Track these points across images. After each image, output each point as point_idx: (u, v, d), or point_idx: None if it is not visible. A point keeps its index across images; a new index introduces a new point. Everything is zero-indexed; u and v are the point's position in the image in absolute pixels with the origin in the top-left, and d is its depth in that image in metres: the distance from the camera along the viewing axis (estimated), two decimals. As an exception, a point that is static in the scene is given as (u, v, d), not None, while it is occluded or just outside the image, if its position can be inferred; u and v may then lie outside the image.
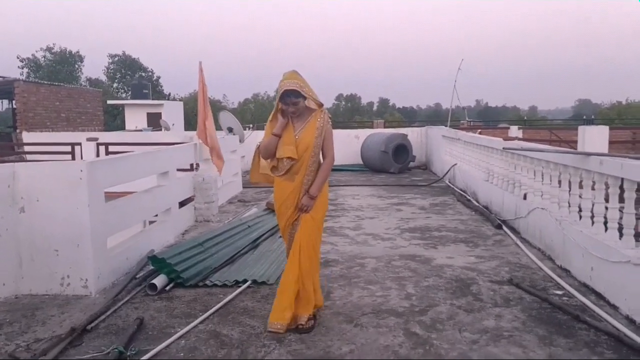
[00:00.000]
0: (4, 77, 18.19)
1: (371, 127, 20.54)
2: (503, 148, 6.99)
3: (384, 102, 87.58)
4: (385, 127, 21.07)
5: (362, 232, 6.70)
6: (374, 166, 13.92)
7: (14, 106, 18.34)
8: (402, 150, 13.61)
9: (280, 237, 6.24)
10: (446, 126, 14.07)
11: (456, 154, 10.99)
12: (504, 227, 6.59)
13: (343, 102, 79.32)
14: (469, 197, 8.90)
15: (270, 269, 5.00)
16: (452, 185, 10.55)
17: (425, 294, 4.32)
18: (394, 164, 13.37)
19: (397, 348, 3.35)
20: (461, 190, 9.71)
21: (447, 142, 12.12)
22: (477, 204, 8.27)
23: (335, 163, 12.92)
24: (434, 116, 68.08)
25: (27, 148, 15.49)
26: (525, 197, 6.23)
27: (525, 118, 47.42)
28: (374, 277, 4.80)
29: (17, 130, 17.29)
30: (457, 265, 5.13)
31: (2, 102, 23.40)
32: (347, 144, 15.47)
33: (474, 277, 4.75)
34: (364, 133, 15.49)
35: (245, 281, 4.67)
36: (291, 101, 3.59)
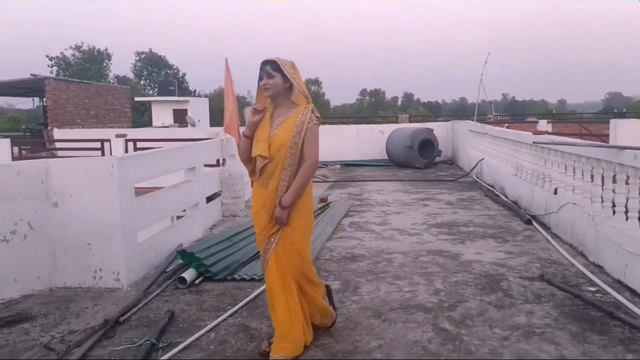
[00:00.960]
0: (35, 75, 18.61)
1: (396, 122, 20.40)
2: (533, 142, 6.87)
3: (408, 96, 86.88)
4: (410, 121, 20.92)
5: (389, 227, 6.67)
6: (399, 161, 13.83)
7: (45, 103, 18.77)
8: (427, 145, 13.50)
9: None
10: (473, 120, 13.89)
11: (483, 149, 10.85)
12: (534, 223, 6.48)
13: (367, 97, 79.02)
14: (496, 192, 8.77)
15: (298, 263, 5.01)
16: (479, 180, 10.42)
17: (454, 290, 4.28)
18: (420, 159, 13.27)
19: (427, 343, 3.33)
20: (489, 185, 9.58)
21: (474, 136, 11.97)
22: (505, 199, 8.15)
23: (360, 158, 12.92)
24: (459, 110, 67.29)
25: (58, 144, 15.86)
26: (556, 192, 6.12)
27: (554, 112, 46.53)
28: (401, 273, 4.77)
29: (48, 127, 17.69)
30: (486, 260, 5.07)
31: (33, 99, 23.98)
32: (372, 139, 15.41)
33: (503, 273, 4.69)
34: (388, 128, 15.40)
35: (272, 275, 4.69)
36: (266, 71, 3.12)
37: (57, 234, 4.50)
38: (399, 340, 3.38)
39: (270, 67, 3.13)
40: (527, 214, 6.79)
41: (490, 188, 9.24)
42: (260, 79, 3.16)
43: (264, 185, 3.18)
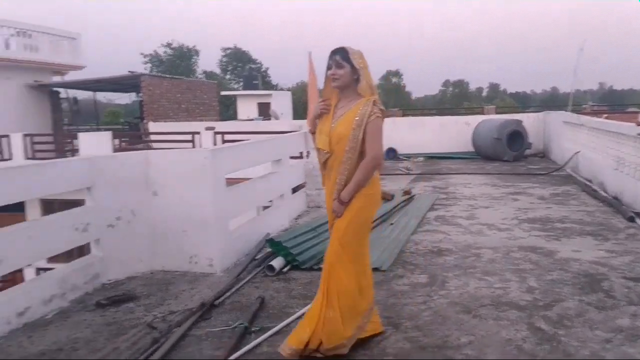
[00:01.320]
0: (132, 72, 19.83)
1: (481, 113, 19.70)
2: (637, 134, 6.39)
3: (494, 87, 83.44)
4: (496, 113, 20.13)
5: (477, 221, 6.48)
6: (486, 154, 13.38)
7: (141, 98, 19.95)
8: (516, 137, 12.94)
9: (391, 224, 6.26)
10: (567, 111, 13.13)
11: (580, 141, 10.23)
12: (638, 220, 6.03)
13: (450, 88, 76.83)
14: (594, 187, 8.24)
15: (383, 255, 5.01)
16: (574, 174, 9.84)
17: (549, 288, 4.08)
18: (508, 152, 12.76)
19: (521, 342, 3.21)
20: (586, 179, 9.02)
21: (569, 128, 11.31)
22: (604, 194, 7.64)
23: (444, 150, 12.62)
24: (550, 101, 63.73)
25: (152, 137, 16.82)
26: (663, 188, 5.66)
27: (658, 101, 42.88)
28: (491, 268, 4.63)
29: (144, 121, 18.80)
30: (585, 259, 4.79)
31: (130, 95, 25.58)
32: (457, 131, 15.00)
33: (604, 272, 4.41)
34: (474, 120, 14.92)
35: (359, 267, 4.71)
36: (335, 61, 3.03)
37: (157, 220, 4.77)
38: (490, 337, 3.29)
39: (340, 56, 3.04)
40: (631, 211, 6.33)
41: (588, 183, 8.69)
42: (329, 68, 3.07)
43: (328, 177, 3.16)
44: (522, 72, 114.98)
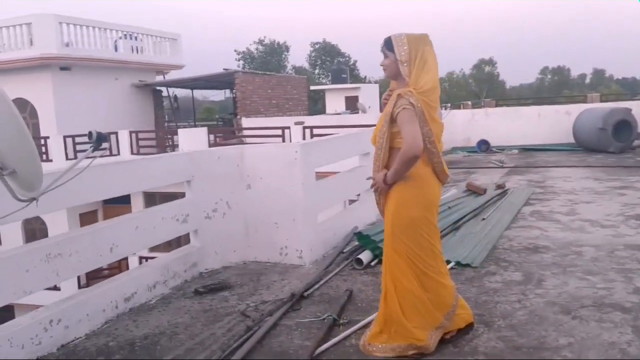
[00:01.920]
0: (227, 70, 20.67)
1: (584, 101, 18.41)
2: None
3: (598, 73, 77.61)
4: (601, 101, 18.73)
5: (577, 217, 6.10)
6: (588, 145, 12.54)
7: (235, 95, 20.76)
8: (624, 126, 11.99)
9: (484, 219, 6.06)
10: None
11: (698, 130, 9.28)
12: None
13: (549, 76, 72.56)
14: None
15: (475, 251, 4.87)
16: (691, 167, 8.96)
17: (659, 290, 3.77)
18: (614, 143, 11.86)
19: (625, 346, 2.99)
20: None
21: (685, 115, 10.30)
22: None
23: (541, 142, 12.09)
24: (664, 86, 58.23)
25: (245, 132, 17.47)
26: None
27: None
28: (593, 267, 4.35)
29: (237, 116, 19.55)
30: (703, 260, 4.37)
31: (224, 91, 26.67)
32: (556, 121, 14.18)
33: None
34: (576, 109, 14.01)
35: (448, 262, 4.61)
36: (383, 51, 3.02)
37: (250, 213, 4.97)
38: (592, 339, 3.10)
39: (385, 46, 2.99)
40: None
41: None
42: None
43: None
44: (631, 55, 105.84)
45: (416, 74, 2.94)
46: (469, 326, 3.22)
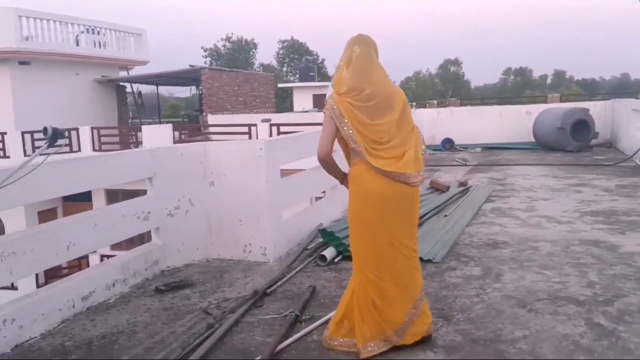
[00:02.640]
0: (192, 66, 20.41)
1: (545, 102, 18.92)
2: None
3: (559, 74, 79.79)
4: (561, 101, 19.28)
5: (535, 214, 6.27)
6: (548, 144, 12.88)
7: (201, 91, 20.52)
8: (582, 126, 12.37)
9: (446, 216, 6.17)
10: (637, 98, 12.41)
11: (650, 130, 9.66)
12: None
13: (512, 76, 74.24)
14: (665, 179, 7.78)
15: (436, 247, 4.95)
16: (643, 165, 9.32)
17: (610, 283, 3.91)
18: (572, 142, 12.23)
19: (578, 338, 3.10)
20: (656, 170, 8.53)
21: (639, 116, 10.70)
22: (676, 186, 7.20)
23: (503, 140, 12.41)
24: (620, 88, 60.36)
25: (211, 129, 17.29)
26: None
27: None
28: (549, 262, 4.48)
29: (203, 113, 19.33)
30: (651, 254, 4.55)
31: (190, 88, 26.33)
32: (517, 121, 14.53)
33: (672, 268, 4.18)
34: (536, 109, 14.39)
35: (411, 258, 4.68)
36: None
37: (213, 210, 4.92)
38: (546, 332, 3.19)
39: None
40: None
41: (658, 174, 8.22)
42: None
43: None
44: (590, 57, 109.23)
45: (339, 76, 2.98)
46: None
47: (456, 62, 67.01)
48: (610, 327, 3.21)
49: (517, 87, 67.69)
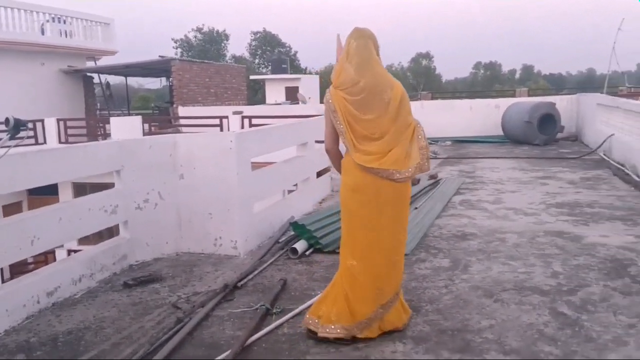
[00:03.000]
0: (162, 57, 20.05)
1: (513, 96, 19.26)
2: (673, 116, 6.17)
3: (527, 68, 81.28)
4: (529, 95, 19.65)
5: (503, 206, 6.40)
6: (516, 137, 13.13)
7: (171, 83, 20.19)
8: (548, 120, 12.65)
9: (416, 208, 6.24)
10: (602, 93, 12.74)
11: (614, 124, 9.94)
12: (671, 205, 5.86)
13: (481, 71, 75.27)
14: (627, 171, 8.02)
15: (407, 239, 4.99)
16: (607, 158, 9.58)
17: (574, 273, 4.03)
18: (539, 135, 12.49)
19: (542, 327, 3.18)
20: (618, 163, 8.78)
21: (603, 110, 10.99)
22: (637, 178, 7.43)
23: (473, 134, 12.66)
24: (586, 83, 61.84)
25: (182, 121, 17.06)
26: (699, 172, 5.47)
27: (701, 82, 41.13)
28: (515, 253, 4.58)
29: (174, 105, 19.04)
30: (613, 244, 4.69)
31: (160, 79, 25.91)
32: (486, 114, 14.74)
33: (632, 257, 4.32)
34: (505, 102, 14.63)
35: (381, 250, 4.72)
36: None
37: (183, 203, 4.87)
38: (511, 321, 3.27)
39: None
40: (664, 196, 6.15)
41: (620, 167, 8.46)
42: None
43: None
44: (558, 52, 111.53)
45: (338, 69, 3.02)
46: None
47: (427, 56, 67.52)
48: (573, 316, 3.31)
49: (487, 81, 68.66)
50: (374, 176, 2.93)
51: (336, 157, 3.17)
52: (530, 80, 68.13)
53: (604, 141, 10.12)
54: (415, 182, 7.66)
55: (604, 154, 10.04)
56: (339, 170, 3.18)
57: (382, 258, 3.02)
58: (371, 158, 2.93)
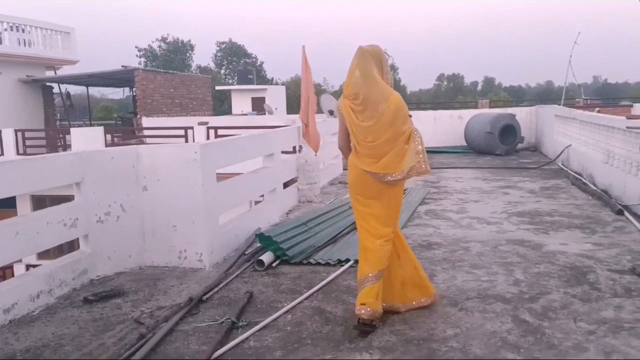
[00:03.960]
0: (125, 67, 19.73)
1: (475, 107, 19.74)
2: (626, 127, 6.42)
3: (489, 81, 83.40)
4: (490, 107, 20.16)
5: (466, 215, 6.51)
6: (478, 148, 13.41)
7: (134, 93, 19.87)
8: (509, 131, 12.98)
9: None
10: (559, 105, 13.17)
11: (571, 135, 10.27)
12: (626, 213, 6.08)
13: (445, 82, 76.81)
14: (584, 181, 8.30)
15: (373, 249, 5.02)
16: (565, 168, 9.90)
17: (535, 281, 4.12)
18: (501, 146, 12.80)
19: (505, 334, 3.23)
20: (576, 173, 9.07)
21: (561, 121, 11.35)
22: (594, 187, 7.69)
23: (437, 144, 12.90)
24: (545, 95, 63.90)
25: (146, 132, 16.78)
26: (651, 181, 5.69)
27: (652, 95, 43.00)
28: (479, 262, 4.66)
29: (137, 116, 18.72)
30: (572, 252, 4.83)
31: (123, 89, 25.44)
32: (450, 125, 15.03)
33: (590, 265, 4.45)
34: (468, 113, 14.96)
35: (347, 260, 4.74)
36: None
37: (146, 216, 4.78)
38: (475, 329, 3.32)
39: None
40: (619, 204, 6.38)
41: (578, 176, 8.75)
42: None
43: None
44: (517, 65, 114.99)
45: (346, 82, 3.49)
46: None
47: (393, 68, 68.30)
48: (535, 323, 3.37)
49: (450, 93, 70.05)
50: (367, 175, 3.45)
51: (346, 154, 3.68)
52: (491, 92, 69.85)
53: (562, 151, 10.45)
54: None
55: (562, 164, 10.36)
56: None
57: (369, 236, 3.49)
58: (368, 162, 3.44)
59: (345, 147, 3.64)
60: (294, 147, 8.22)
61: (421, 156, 3.40)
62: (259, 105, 26.63)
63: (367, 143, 3.39)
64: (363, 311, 3.27)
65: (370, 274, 3.39)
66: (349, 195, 3.71)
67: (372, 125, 3.36)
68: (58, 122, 21.77)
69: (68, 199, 4.49)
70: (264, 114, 22.07)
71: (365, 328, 3.27)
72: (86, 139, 13.80)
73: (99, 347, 3.18)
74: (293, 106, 33.07)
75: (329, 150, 9.88)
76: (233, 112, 28.72)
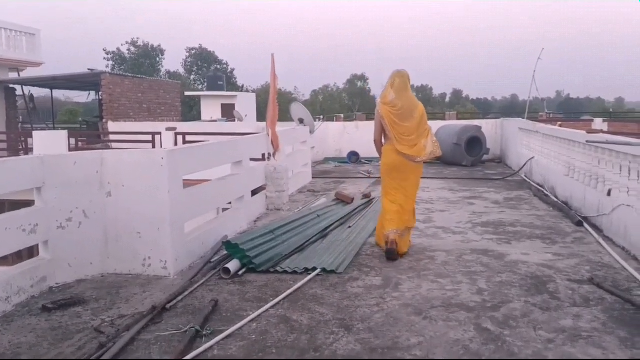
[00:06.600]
0: (92, 70, 19.36)
1: (443, 119, 20.07)
2: (586, 141, 6.63)
3: (456, 93, 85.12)
4: (457, 118, 20.55)
5: (432, 225, 6.60)
6: (445, 159, 13.55)
7: (101, 97, 19.51)
8: (475, 142, 13.22)
9: (350, 227, 6.32)
10: (523, 118, 13.50)
11: (534, 147, 10.54)
12: (585, 224, 6.26)
13: (414, 94, 77.94)
14: (546, 192, 8.52)
15: (339, 258, 5.04)
16: (528, 180, 10.15)
17: (498, 290, 4.20)
18: (467, 157, 13.03)
19: (468, 343, 3.28)
20: (538, 184, 9.31)
21: (524, 134, 11.64)
22: (555, 199, 7.90)
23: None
24: (510, 108, 65.57)
25: (112, 137, 16.48)
26: (609, 194, 5.88)
27: (611, 110, 44.60)
28: (444, 271, 4.72)
29: (104, 120, 18.38)
30: (533, 262, 4.94)
31: (89, 93, 24.94)
32: (418, 136, 15.19)
33: (551, 274, 4.56)
34: (435, 125, 15.10)
35: (314, 269, 4.74)
36: None
37: (110, 222, 4.68)
38: (439, 338, 3.36)
39: None
40: (578, 216, 6.57)
41: (540, 188, 8.98)
42: None
43: None
44: (485, 79, 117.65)
45: (385, 93, 5.28)
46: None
47: (363, 78, 69.19)
48: (497, 331, 3.44)
49: (419, 104, 70.95)
50: (403, 157, 5.21)
51: (379, 146, 5.43)
52: (459, 104, 71.24)
53: (525, 163, 10.71)
54: (350, 200, 7.77)
55: (525, 176, 10.62)
56: (379, 153, 5.47)
57: (404, 198, 5.34)
58: (405, 147, 5.19)
59: (379, 140, 5.37)
60: (263, 155, 8.19)
61: (436, 144, 5.30)
62: (229, 112, 26.51)
63: (405, 137, 5.15)
64: (391, 235, 5.09)
65: (394, 229, 5.11)
66: (381, 175, 5.51)
67: (409, 125, 5.18)
68: (20, 125, 21.16)
69: (28, 204, 4.37)
70: (234, 120, 21.97)
71: (391, 255, 5.00)
72: (49, 142, 13.40)
73: (57, 357, 3.09)
74: (263, 113, 32.95)
75: (298, 159, 9.89)
76: (202, 118, 28.49)
